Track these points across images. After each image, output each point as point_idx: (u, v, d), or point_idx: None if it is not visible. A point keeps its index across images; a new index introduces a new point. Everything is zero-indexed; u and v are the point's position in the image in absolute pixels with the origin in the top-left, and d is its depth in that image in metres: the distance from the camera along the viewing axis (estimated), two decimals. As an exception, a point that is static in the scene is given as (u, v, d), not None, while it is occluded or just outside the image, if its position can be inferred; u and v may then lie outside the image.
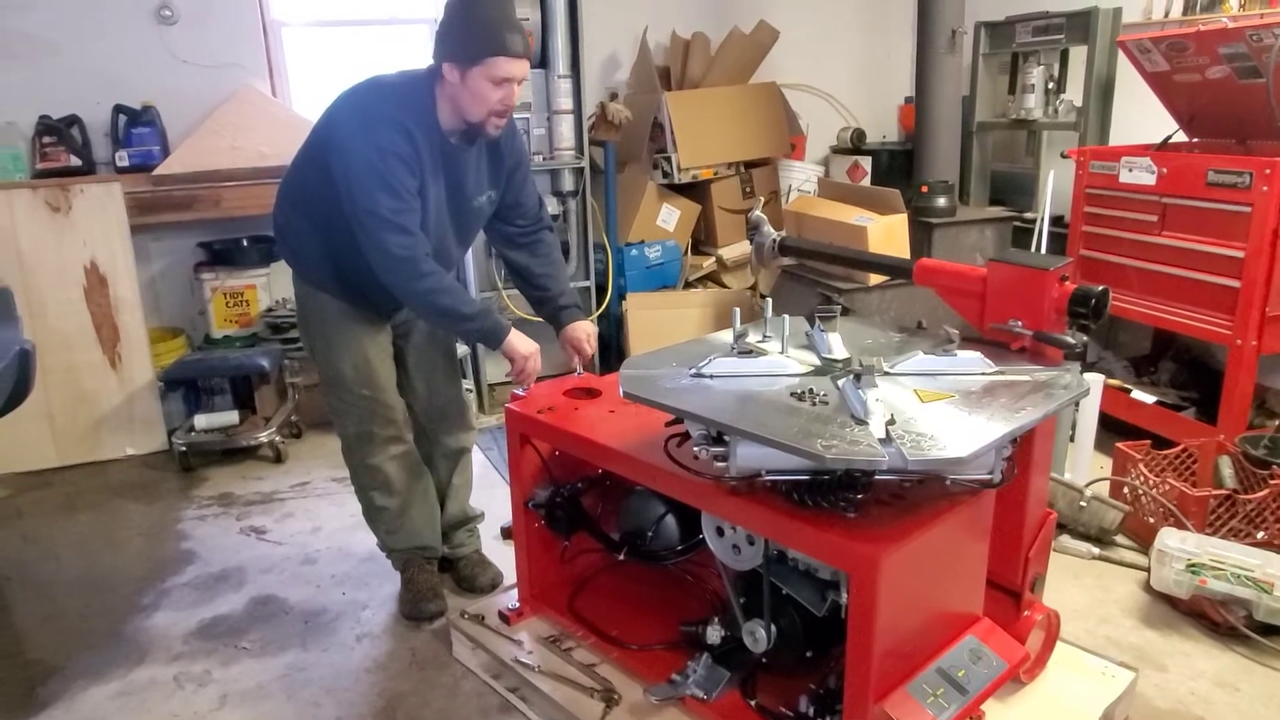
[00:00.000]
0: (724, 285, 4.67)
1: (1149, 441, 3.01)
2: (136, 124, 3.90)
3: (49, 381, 3.59)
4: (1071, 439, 3.07)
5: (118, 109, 3.89)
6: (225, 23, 4.08)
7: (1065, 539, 2.82)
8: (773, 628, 1.78)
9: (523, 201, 2.50)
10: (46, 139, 3.79)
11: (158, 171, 3.82)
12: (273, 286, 4.16)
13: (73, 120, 3.84)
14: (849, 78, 5.33)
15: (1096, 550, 2.80)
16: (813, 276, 3.74)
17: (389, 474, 2.52)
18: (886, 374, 1.73)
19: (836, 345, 1.86)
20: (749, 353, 1.81)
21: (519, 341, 2.32)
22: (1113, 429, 3.27)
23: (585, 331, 2.49)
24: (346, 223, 2.19)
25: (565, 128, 4.14)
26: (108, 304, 3.73)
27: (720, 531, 1.83)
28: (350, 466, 2.58)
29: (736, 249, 4.65)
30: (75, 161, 3.81)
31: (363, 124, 2.13)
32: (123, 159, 3.87)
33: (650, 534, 2.09)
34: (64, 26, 3.84)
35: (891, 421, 1.48)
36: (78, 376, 3.72)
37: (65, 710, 2.27)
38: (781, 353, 1.85)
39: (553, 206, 4.29)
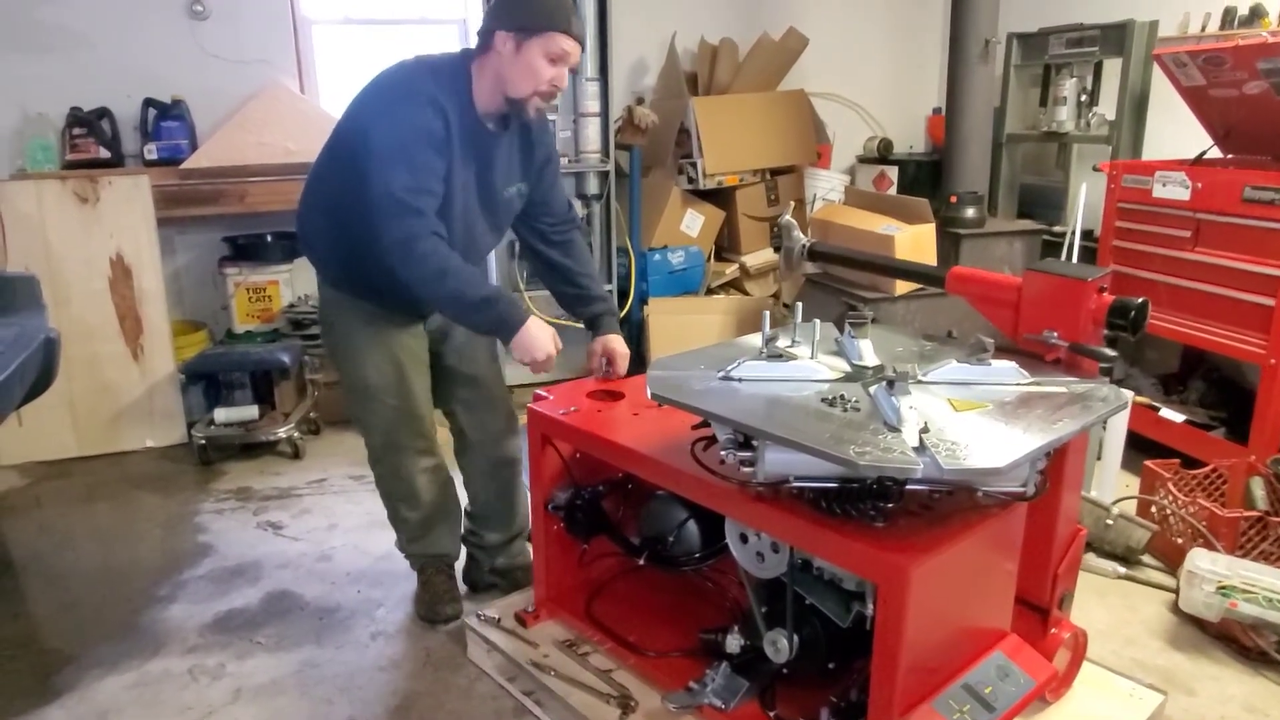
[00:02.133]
0: (746, 292, 4.64)
1: (1178, 460, 2.96)
2: (165, 117, 3.92)
3: (71, 371, 3.60)
4: (1098, 456, 3.02)
5: (147, 102, 3.91)
6: (256, 19, 4.11)
7: (1090, 557, 2.77)
8: (795, 638, 1.75)
9: (551, 200, 2.43)
10: (76, 130, 3.82)
11: (185, 165, 3.84)
12: (295, 282, 4.17)
13: (103, 113, 3.87)
14: (877, 87, 5.31)
15: (1122, 569, 2.75)
16: (837, 285, 3.71)
17: (418, 488, 2.46)
18: (919, 382, 1.70)
19: (867, 352, 1.83)
20: (779, 357, 1.78)
21: (536, 333, 2.11)
22: (1139, 448, 3.21)
23: (625, 349, 2.42)
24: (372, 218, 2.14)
25: (591, 130, 4.14)
26: (132, 296, 3.75)
27: (744, 538, 1.81)
28: (377, 474, 2.51)
29: (760, 256, 4.62)
30: (104, 153, 3.84)
31: (395, 97, 2.07)
32: (151, 152, 3.89)
33: (671, 539, 2.06)
34: (97, 20, 3.88)
35: (925, 430, 1.45)
36: (100, 367, 3.73)
37: (80, 700, 2.26)
38: (811, 358, 1.82)
39: (577, 209, 4.28)
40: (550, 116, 3.96)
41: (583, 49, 2.16)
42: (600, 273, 4.35)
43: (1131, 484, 3.08)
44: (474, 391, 2.51)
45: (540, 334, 2.13)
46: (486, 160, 2.20)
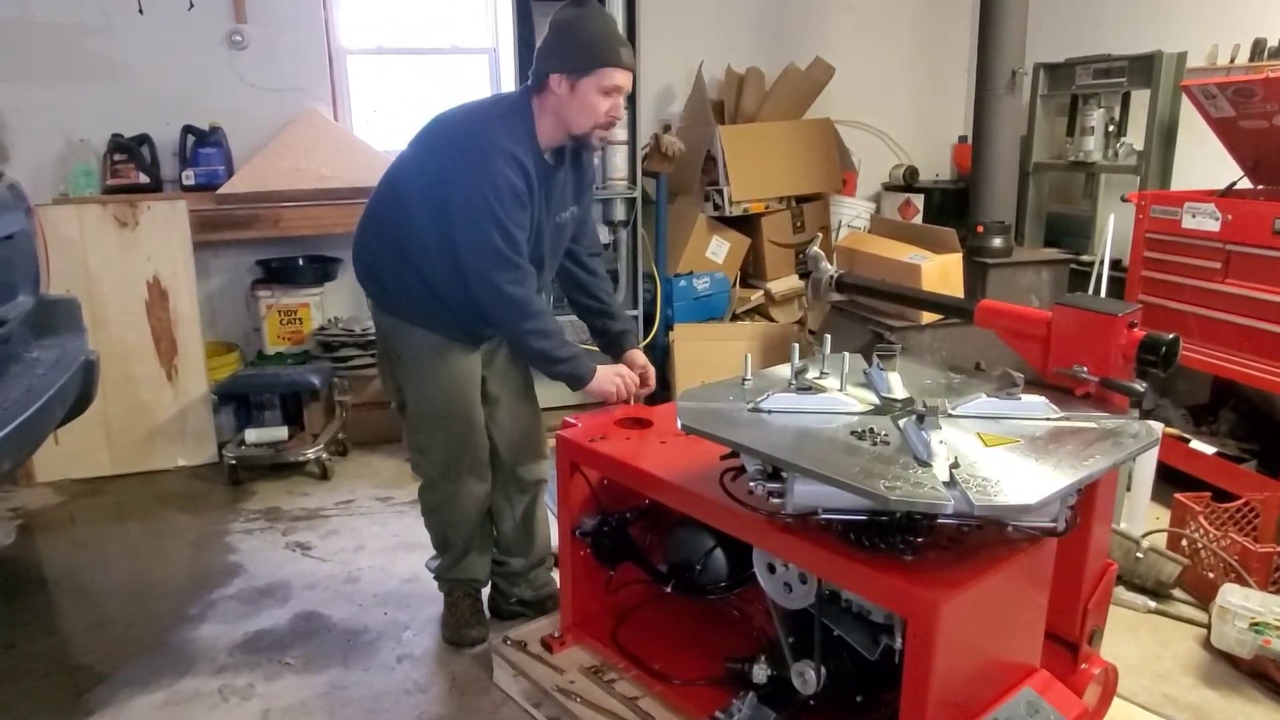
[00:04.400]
0: (771, 319, 4.65)
1: (1209, 494, 2.93)
2: (203, 144, 4.01)
3: (107, 391, 3.65)
4: (1128, 488, 2.99)
5: (186, 129, 4.00)
6: (293, 49, 4.20)
7: (1120, 591, 2.74)
8: (822, 669, 1.75)
9: (588, 222, 2.53)
10: (117, 156, 3.92)
11: (221, 190, 3.92)
12: (326, 305, 4.24)
13: (143, 139, 3.96)
14: (903, 115, 5.34)
15: (1153, 604, 2.72)
16: (863, 313, 3.71)
17: (470, 514, 2.50)
18: (949, 416, 1.70)
19: (896, 385, 1.84)
20: (808, 389, 1.79)
21: (603, 380, 2.32)
22: (1169, 479, 3.18)
23: (647, 363, 2.48)
24: (441, 254, 2.20)
25: (619, 158, 4.18)
26: (168, 318, 3.82)
27: (772, 568, 1.81)
28: (429, 503, 2.54)
29: (785, 283, 4.64)
30: (144, 179, 3.93)
31: (476, 157, 2.12)
32: (189, 177, 3.98)
33: (698, 567, 2.06)
34: (139, 50, 3.98)
35: (956, 465, 1.46)
36: (135, 387, 3.80)
37: (111, 719, 2.29)
38: (840, 390, 1.83)
39: (604, 235, 4.32)
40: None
41: (633, 74, 2.23)
42: (626, 298, 4.39)
43: (1162, 516, 3.05)
44: (509, 413, 2.55)
45: (605, 382, 2.33)
46: (551, 194, 2.28)
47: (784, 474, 1.59)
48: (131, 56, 3.98)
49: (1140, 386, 1.74)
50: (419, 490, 2.57)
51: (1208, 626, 2.51)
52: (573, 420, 2.31)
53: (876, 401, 1.80)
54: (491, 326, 2.37)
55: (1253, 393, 3.44)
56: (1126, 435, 1.63)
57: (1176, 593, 2.78)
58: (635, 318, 4.37)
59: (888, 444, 1.57)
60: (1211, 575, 2.69)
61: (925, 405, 1.67)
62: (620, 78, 2.17)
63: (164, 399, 3.85)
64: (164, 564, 3.12)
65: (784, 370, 1.93)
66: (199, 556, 3.16)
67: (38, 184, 3.82)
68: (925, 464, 1.47)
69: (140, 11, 3.93)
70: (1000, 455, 1.54)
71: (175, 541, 3.28)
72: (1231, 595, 2.40)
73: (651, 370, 2.49)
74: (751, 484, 1.65)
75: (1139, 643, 2.56)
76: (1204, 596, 2.67)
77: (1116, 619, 2.62)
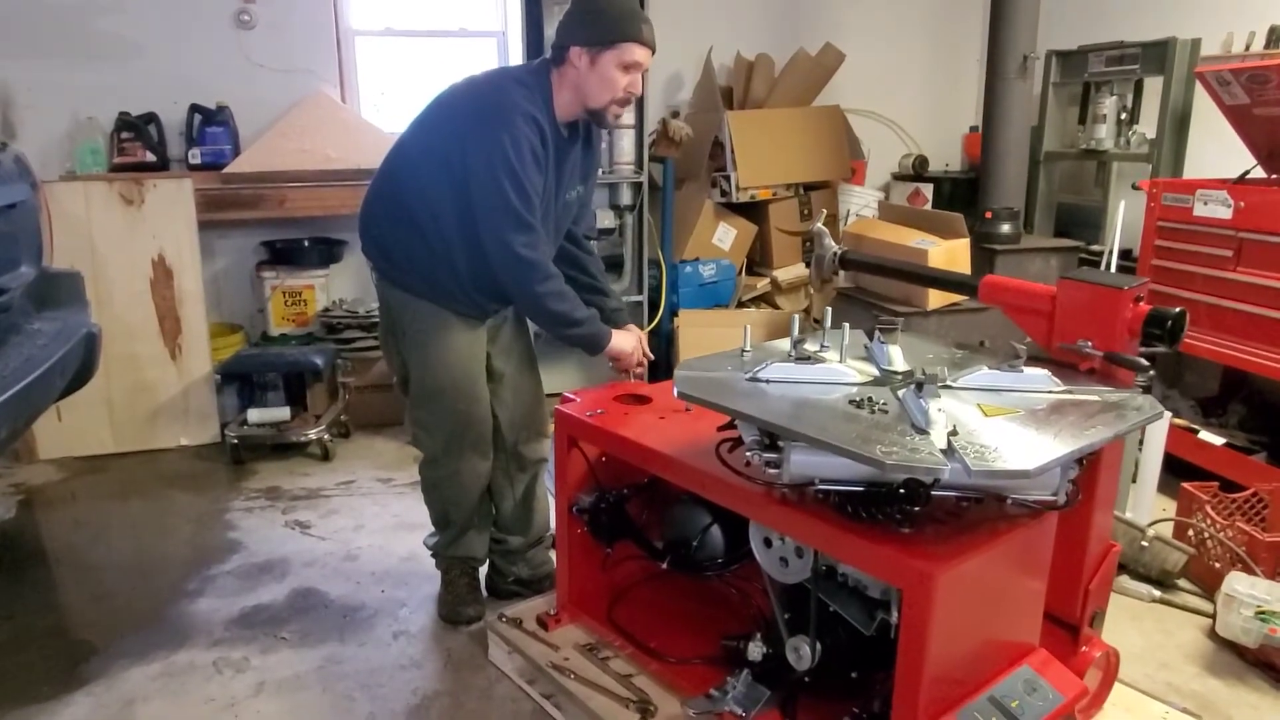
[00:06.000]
0: (777, 306, 4.62)
1: (1216, 484, 2.89)
2: (210, 123, 4.01)
3: (110, 369, 3.65)
4: (1134, 479, 2.96)
5: (193, 108, 4.00)
6: (301, 29, 4.19)
7: (1124, 580, 2.71)
8: (817, 645, 1.73)
9: (588, 203, 2.51)
10: (125, 135, 3.92)
11: (228, 170, 3.92)
12: (331, 287, 4.23)
13: (150, 118, 3.96)
14: (913, 105, 5.30)
15: (1157, 593, 2.68)
16: (868, 299, 3.68)
17: (471, 491, 2.48)
18: (948, 387, 1.68)
19: (897, 357, 1.81)
20: (807, 360, 1.77)
21: (620, 340, 2.35)
22: (1176, 471, 3.14)
23: (641, 336, 2.47)
24: (454, 221, 2.18)
25: (626, 142, 4.16)
26: (172, 297, 3.82)
27: (768, 542, 1.79)
28: (431, 479, 2.51)
29: (791, 271, 4.60)
30: (150, 157, 3.92)
31: (495, 114, 2.10)
32: (195, 157, 3.98)
33: (695, 544, 2.04)
34: (147, 28, 3.98)
35: (954, 432, 1.43)
36: (139, 366, 3.80)
37: (106, 688, 2.29)
38: (840, 362, 1.80)
39: (610, 220, 4.31)
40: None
41: (653, 52, 2.21)
42: (631, 284, 4.37)
43: (1168, 508, 3.01)
44: (512, 390, 2.53)
45: (622, 340, 2.37)
46: (562, 168, 2.27)
47: (781, 443, 1.57)
48: (140, 35, 3.98)
49: (1145, 361, 1.71)
50: (420, 466, 2.55)
51: (1213, 616, 2.47)
52: (572, 395, 2.29)
53: (876, 374, 1.77)
54: (500, 301, 2.36)
55: (1263, 384, 3.40)
56: (1130, 408, 1.60)
57: (1181, 583, 2.75)
58: (639, 303, 4.35)
59: (886, 412, 1.55)
60: (1218, 565, 2.66)
61: (925, 374, 1.65)
62: (641, 54, 2.15)
63: (167, 378, 3.85)
64: (164, 540, 3.12)
65: (783, 343, 1.91)
66: (199, 534, 3.15)
67: (45, 161, 3.83)
68: (923, 431, 1.44)
69: (150, -12, 3.94)
70: (1000, 425, 1.51)
71: (175, 519, 3.27)
72: (1238, 583, 2.37)
73: (644, 340, 2.49)
74: (748, 454, 1.63)
75: (1143, 632, 2.53)
76: (1209, 587, 2.64)
77: (1120, 608, 2.59)
